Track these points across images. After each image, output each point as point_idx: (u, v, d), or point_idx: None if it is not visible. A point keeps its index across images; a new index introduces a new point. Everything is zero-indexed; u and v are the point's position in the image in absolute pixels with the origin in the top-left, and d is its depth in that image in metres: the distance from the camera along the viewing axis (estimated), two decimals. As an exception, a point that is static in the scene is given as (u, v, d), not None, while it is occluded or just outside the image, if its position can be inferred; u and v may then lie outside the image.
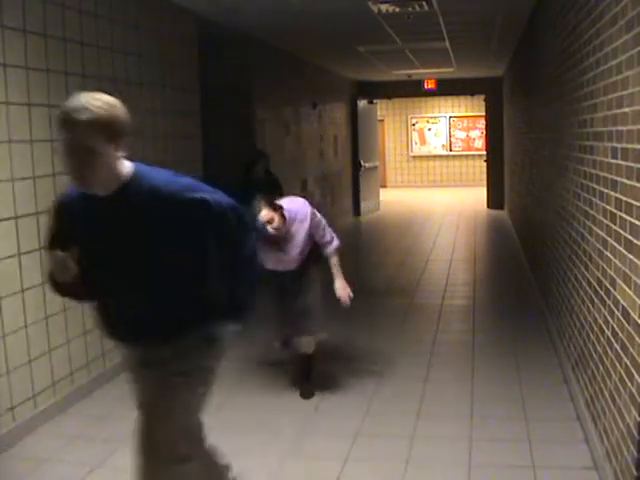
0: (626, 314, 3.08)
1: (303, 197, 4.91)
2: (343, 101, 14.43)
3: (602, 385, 3.60)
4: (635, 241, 2.94)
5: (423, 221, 14.13)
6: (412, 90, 15.81)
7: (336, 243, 4.71)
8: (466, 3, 7.00)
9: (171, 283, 2.56)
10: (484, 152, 16.97)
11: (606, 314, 3.53)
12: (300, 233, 4.55)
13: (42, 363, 4.44)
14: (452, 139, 21.24)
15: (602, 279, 3.64)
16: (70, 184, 2.49)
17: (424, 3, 6.76)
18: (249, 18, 7.34)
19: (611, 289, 3.41)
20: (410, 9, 7.03)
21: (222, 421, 4.36)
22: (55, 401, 4.53)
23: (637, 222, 2.90)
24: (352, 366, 5.37)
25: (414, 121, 21.44)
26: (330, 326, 5.41)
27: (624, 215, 3.13)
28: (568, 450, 3.87)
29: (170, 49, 6.28)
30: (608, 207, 3.50)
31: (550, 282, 6.05)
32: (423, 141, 21.51)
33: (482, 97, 16.20)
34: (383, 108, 20.21)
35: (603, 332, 3.59)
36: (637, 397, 2.87)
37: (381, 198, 16.36)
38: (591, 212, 3.99)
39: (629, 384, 3.01)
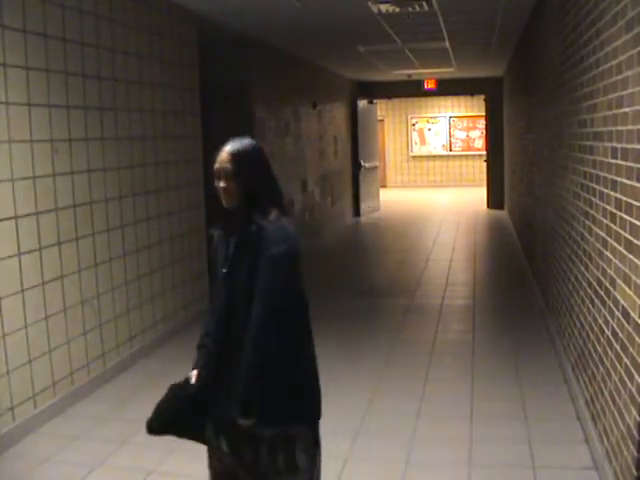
0: (626, 314, 3.08)
1: None
2: (343, 101, 14.43)
3: (602, 385, 3.60)
4: (635, 241, 2.94)
5: (423, 221, 14.13)
6: (412, 90, 15.80)
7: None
8: (466, 3, 7.00)
9: None
10: (484, 152, 16.97)
11: (606, 314, 3.53)
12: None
13: (42, 363, 4.44)
14: (452, 139, 21.24)
15: (602, 279, 3.64)
16: None
17: (424, 3, 6.76)
18: (249, 18, 7.34)
19: (611, 289, 3.41)
20: (410, 9, 7.02)
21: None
22: (55, 401, 4.53)
23: (637, 222, 2.90)
24: (352, 366, 5.37)
25: (414, 121, 21.44)
26: (331, 326, 5.42)
27: (624, 215, 3.13)
28: (568, 450, 3.87)
29: (170, 49, 6.29)
30: (608, 207, 3.50)
31: (550, 282, 6.05)
32: (423, 141, 21.51)
33: (482, 97, 16.20)
34: (383, 108, 20.20)
35: (603, 332, 3.59)
36: (637, 397, 2.87)
37: (381, 198, 16.36)
38: (591, 212, 3.99)
39: (629, 384, 3.01)
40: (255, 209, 2.49)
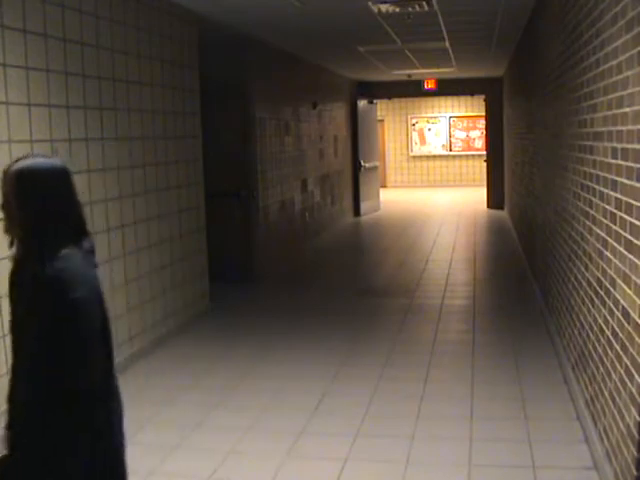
0: (626, 314, 3.08)
1: None
2: (343, 101, 14.43)
3: (602, 385, 3.60)
4: (635, 241, 2.94)
5: (423, 221, 14.13)
6: (412, 90, 15.81)
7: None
8: (466, 3, 7.01)
9: None
10: (484, 152, 16.98)
11: (606, 314, 3.53)
12: None
13: (42, 363, 4.43)
14: (452, 139, 21.25)
15: (602, 279, 3.64)
16: None
17: (424, 3, 6.76)
18: (249, 18, 7.34)
19: (611, 289, 3.41)
20: (410, 9, 7.03)
21: (221, 421, 4.36)
22: (55, 401, 4.53)
23: (637, 222, 2.91)
24: (352, 365, 5.37)
25: (414, 121, 21.45)
26: (331, 326, 5.42)
27: (624, 215, 3.14)
28: (568, 450, 3.87)
29: (170, 49, 6.29)
30: (608, 207, 3.50)
31: (550, 282, 6.05)
32: (423, 141, 21.51)
33: (482, 97, 16.21)
34: (383, 108, 20.21)
35: (603, 332, 3.59)
36: (637, 397, 2.87)
37: (381, 198, 16.36)
38: (591, 212, 3.99)
39: (629, 384, 3.01)
40: (44, 244, 2.01)
